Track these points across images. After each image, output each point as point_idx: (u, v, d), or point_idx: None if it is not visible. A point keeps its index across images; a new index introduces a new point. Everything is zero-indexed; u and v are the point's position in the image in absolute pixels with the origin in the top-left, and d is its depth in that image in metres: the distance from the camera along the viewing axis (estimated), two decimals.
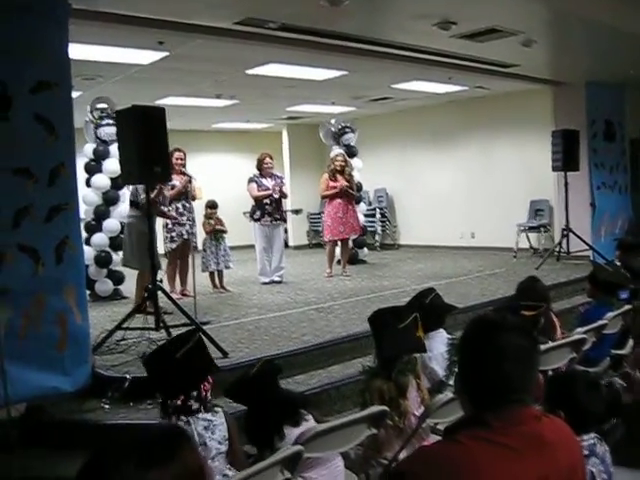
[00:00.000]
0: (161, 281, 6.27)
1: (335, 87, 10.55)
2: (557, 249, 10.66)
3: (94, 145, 9.10)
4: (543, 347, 4.26)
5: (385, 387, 3.59)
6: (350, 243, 11.58)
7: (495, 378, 1.80)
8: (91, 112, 9.02)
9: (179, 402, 3.20)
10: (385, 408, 3.24)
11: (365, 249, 12.29)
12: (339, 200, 10.42)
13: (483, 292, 8.33)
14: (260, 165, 9.92)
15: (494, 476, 1.69)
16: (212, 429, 3.21)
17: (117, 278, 9.25)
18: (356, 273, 10.64)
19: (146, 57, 8.08)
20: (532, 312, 4.45)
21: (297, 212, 13.49)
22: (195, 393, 3.23)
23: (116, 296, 9.14)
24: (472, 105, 12.70)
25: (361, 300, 8.19)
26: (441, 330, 4.57)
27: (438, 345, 4.41)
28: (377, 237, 14.37)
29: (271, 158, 9.99)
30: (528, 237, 12.22)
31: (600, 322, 5.02)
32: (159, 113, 6.04)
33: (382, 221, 14.49)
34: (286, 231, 15.05)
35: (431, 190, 13.62)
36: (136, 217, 7.64)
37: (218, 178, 14.17)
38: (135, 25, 6.66)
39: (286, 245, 14.91)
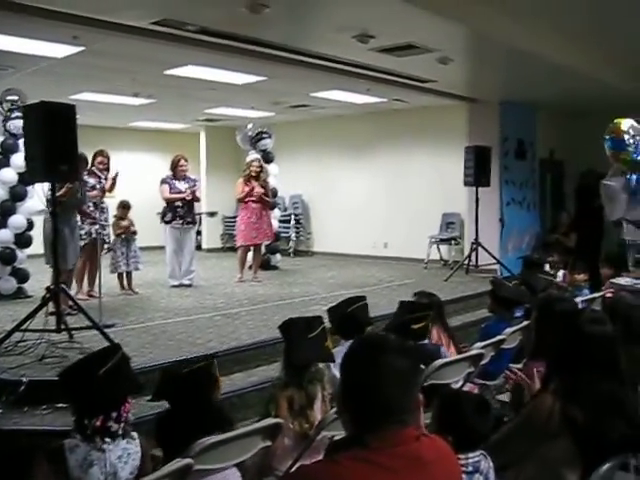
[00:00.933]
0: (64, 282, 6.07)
1: (254, 92, 10.52)
2: (466, 262, 10.92)
3: (2, 138, 8.78)
4: (440, 362, 4.36)
5: (296, 396, 3.65)
6: (263, 249, 11.57)
7: (375, 399, 1.82)
8: (0, 104, 8.71)
9: (98, 423, 2.99)
10: (280, 421, 3.23)
11: (278, 255, 12.28)
12: (253, 205, 10.38)
13: (391, 302, 8.39)
14: (174, 167, 9.84)
15: None
16: (126, 458, 3.05)
17: (21, 276, 8.95)
18: (267, 279, 10.63)
19: (60, 51, 7.86)
20: (420, 324, 4.55)
21: (212, 214, 13.45)
22: (115, 414, 3.04)
23: (20, 294, 8.82)
24: (389, 117, 12.88)
25: (269, 307, 8.18)
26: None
27: None
28: (291, 243, 14.38)
29: (185, 160, 9.90)
30: (439, 249, 12.46)
31: (499, 337, 5.17)
32: (69, 110, 5.92)
33: (297, 227, 14.52)
34: (200, 233, 14.98)
35: (346, 198, 13.73)
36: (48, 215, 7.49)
37: (133, 177, 13.83)
38: (50, 18, 6.48)
39: (199, 248, 14.84)
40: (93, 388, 3.06)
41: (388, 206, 13.09)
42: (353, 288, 9.50)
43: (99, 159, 8.77)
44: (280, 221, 13.80)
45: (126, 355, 3.31)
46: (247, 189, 10.33)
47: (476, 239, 10.70)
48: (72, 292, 8.37)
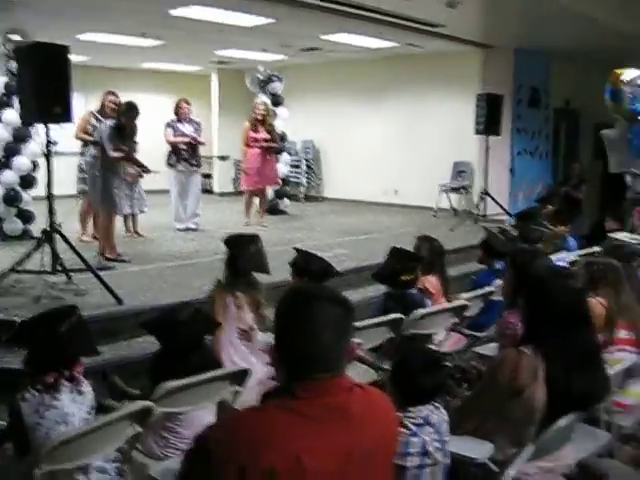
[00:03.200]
0: (59, 225, 6.09)
1: (263, 34, 10.34)
2: (475, 211, 10.83)
3: (5, 79, 8.74)
4: (421, 312, 4.35)
5: (233, 300, 4.29)
6: (271, 193, 11.55)
7: (304, 348, 1.81)
8: (3, 44, 8.64)
9: (51, 379, 2.98)
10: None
11: (286, 200, 12.21)
12: (258, 150, 10.33)
13: None
14: (177, 110, 9.78)
15: (292, 446, 1.70)
16: (79, 399, 3.05)
17: (26, 217, 9.00)
18: (274, 224, 10.62)
19: None
20: (410, 276, 4.52)
21: (224, 158, 13.34)
22: (67, 373, 3.04)
23: (25, 236, 8.89)
24: (403, 62, 12.64)
25: (271, 251, 8.07)
26: None
27: None
28: (301, 189, 14.33)
29: (188, 103, 9.85)
30: (449, 198, 12.35)
31: (487, 289, 5.15)
32: (62, 51, 5.84)
33: (307, 173, 14.45)
34: (211, 177, 14.97)
35: (358, 145, 13.59)
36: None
37: (142, 119, 13.84)
38: None
39: (211, 192, 14.86)
40: (52, 345, 3.05)
41: (400, 153, 12.93)
42: (358, 235, 9.51)
43: (110, 98, 8.80)
44: (291, 166, 13.74)
45: (82, 319, 3.30)
46: (252, 135, 10.27)
47: (485, 188, 10.59)
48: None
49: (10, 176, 8.78)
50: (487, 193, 10.55)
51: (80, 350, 3.19)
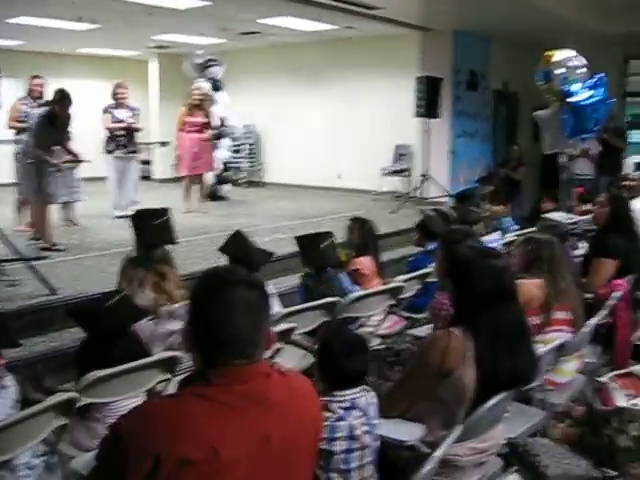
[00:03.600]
0: None
1: (199, 18, 10.22)
2: (416, 195, 10.89)
3: None
4: (355, 295, 4.35)
5: (148, 275, 4.24)
6: (212, 179, 11.44)
7: (218, 333, 1.76)
8: None
9: None
10: (176, 354, 3.21)
11: (227, 186, 12.10)
12: (194, 135, 10.22)
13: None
14: (114, 95, 9.61)
15: (207, 435, 1.66)
16: (3, 394, 2.99)
17: None
18: (214, 209, 10.55)
19: None
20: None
21: (164, 144, 13.18)
22: None
23: None
24: (342, 45, 12.62)
25: (210, 237, 8.08)
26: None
27: None
28: (243, 174, 14.22)
29: (124, 87, 9.66)
30: (391, 181, 12.39)
31: (424, 270, 5.16)
32: None
33: (249, 158, 14.33)
34: (150, 163, 14.73)
35: (300, 129, 13.54)
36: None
37: (78, 105, 13.53)
38: None
39: (150, 178, 14.64)
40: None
41: (341, 137, 12.93)
42: (297, 219, 9.47)
43: (35, 81, 8.62)
44: (233, 151, 13.62)
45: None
46: (189, 119, 10.15)
47: (426, 171, 10.66)
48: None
49: None
50: (428, 175, 10.62)
51: None
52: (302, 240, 5.10)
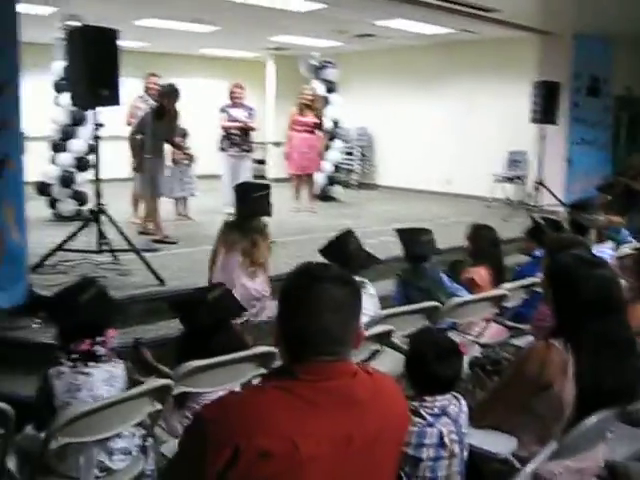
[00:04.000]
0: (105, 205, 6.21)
1: (317, 19, 10.29)
2: (529, 202, 10.60)
3: (64, 63, 8.90)
4: (456, 301, 4.27)
5: (241, 240, 5.02)
6: (323, 179, 11.55)
7: (307, 329, 1.76)
8: (61, 29, 8.80)
9: (84, 346, 3.10)
10: (271, 349, 3.25)
11: (338, 186, 12.16)
12: (305, 135, 10.34)
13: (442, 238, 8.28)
14: (230, 95, 9.84)
15: (288, 429, 1.67)
16: (112, 381, 3.12)
17: (81, 198, 9.19)
18: (323, 210, 10.62)
19: None
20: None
21: (278, 144, 13.39)
22: (100, 339, 3.16)
23: (79, 217, 9.06)
24: (459, 49, 12.44)
25: (314, 237, 8.13)
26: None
27: None
28: (355, 176, 14.26)
29: (241, 87, 9.88)
30: (504, 187, 12.12)
31: (531, 279, 5.01)
32: (110, 34, 5.92)
33: (361, 160, 14.36)
34: (264, 162, 14.99)
35: (412, 133, 13.44)
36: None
37: (199, 105, 13.97)
38: None
39: (264, 178, 14.88)
40: (78, 314, 3.22)
41: (454, 141, 12.74)
42: (408, 223, 9.37)
43: (151, 79, 8.95)
44: (345, 153, 13.71)
45: (103, 288, 3.45)
46: (299, 118, 10.28)
47: (539, 179, 10.36)
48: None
49: (66, 158, 8.98)
50: (542, 183, 10.31)
51: (103, 318, 3.29)
52: (402, 232, 5.08)
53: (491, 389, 3.06)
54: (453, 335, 4.54)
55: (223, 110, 9.83)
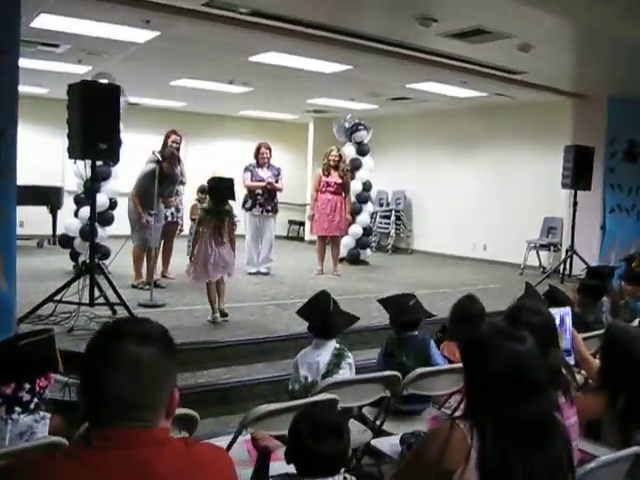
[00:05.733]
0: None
1: (345, 82, 10.34)
2: (562, 270, 10.23)
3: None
4: (419, 371, 3.97)
5: (212, 219, 6.71)
6: (352, 243, 11.42)
7: (100, 392, 1.60)
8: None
9: (8, 390, 2.98)
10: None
11: (368, 250, 11.99)
12: (329, 196, 10.24)
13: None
14: (256, 154, 9.85)
15: None
16: (28, 437, 2.97)
17: (102, 252, 9.24)
18: (349, 273, 10.43)
19: (140, 35, 8.02)
20: None
21: None
22: (28, 386, 3.03)
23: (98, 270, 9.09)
24: (493, 113, 12.30)
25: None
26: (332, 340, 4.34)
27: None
28: (390, 240, 14.08)
29: (267, 148, 9.89)
30: (538, 255, 11.77)
31: None
32: (112, 91, 5.99)
33: (397, 224, 14.18)
34: (303, 224, 14.95)
35: (448, 197, 13.26)
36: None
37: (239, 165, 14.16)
38: (121, 3, 6.61)
39: (302, 239, 14.86)
40: (9, 356, 3.11)
41: (490, 206, 12.50)
42: (428, 288, 9.15)
43: (172, 137, 8.95)
44: (380, 216, 13.61)
45: (52, 338, 3.31)
46: (324, 179, 10.25)
47: (571, 246, 10.02)
48: (157, 275, 8.64)
49: (88, 212, 9.04)
50: (574, 251, 9.95)
51: (36, 365, 3.16)
52: (386, 300, 4.90)
53: (392, 474, 2.78)
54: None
55: (247, 169, 9.86)
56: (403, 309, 4.75)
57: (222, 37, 7.91)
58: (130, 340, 1.62)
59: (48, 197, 11.88)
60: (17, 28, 5.29)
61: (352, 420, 4.05)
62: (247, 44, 8.28)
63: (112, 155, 6.02)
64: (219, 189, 6.71)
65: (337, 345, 4.27)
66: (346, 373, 4.14)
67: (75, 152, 5.90)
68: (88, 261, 6.17)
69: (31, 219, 12.35)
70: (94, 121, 5.74)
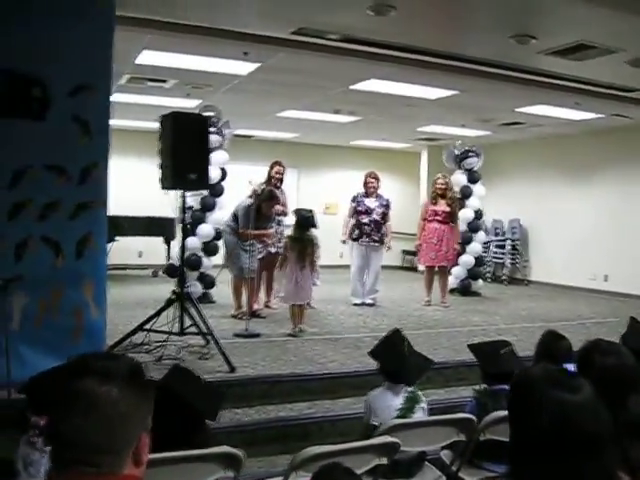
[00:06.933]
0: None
1: (452, 108, 10.09)
2: None
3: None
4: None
5: (298, 245, 7.34)
6: (464, 273, 11.05)
7: (58, 433, 1.50)
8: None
9: (42, 422, 2.77)
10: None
11: (480, 281, 11.52)
12: (436, 225, 9.93)
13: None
14: (364, 184, 9.73)
15: None
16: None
17: (207, 282, 9.38)
18: (458, 305, 10.04)
19: (242, 68, 8.14)
20: None
21: None
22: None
23: (205, 299, 9.21)
24: (612, 136, 11.59)
25: (432, 333, 7.72)
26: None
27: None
28: (505, 270, 13.52)
29: (374, 178, 9.72)
30: None
31: None
32: (200, 121, 6.04)
33: (512, 254, 13.59)
34: (414, 254, 14.61)
35: (567, 225, 12.58)
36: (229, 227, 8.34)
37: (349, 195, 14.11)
38: (220, 37, 6.73)
39: (415, 269, 14.53)
40: (48, 385, 3.01)
41: (611, 234, 11.74)
42: (538, 322, 8.66)
43: (276, 168, 8.97)
44: (495, 246, 13.14)
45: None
46: (431, 207, 9.97)
47: None
48: (260, 305, 8.67)
49: (194, 242, 9.22)
50: None
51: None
52: (476, 348, 4.51)
53: None
54: None
55: (354, 199, 9.74)
56: (492, 359, 4.30)
57: (319, 66, 7.93)
58: (90, 378, 1.51)
59: (163, 228, 12.21)
60: (107, 63, 5.41)
61: (426, 464, 3.80)
62: (345, 72, 8.26)
63: (201, 185, 6.05)
64: (300, 219, 7.40)
65: (409, 388, 4.00)
66: (420, 419, 3.85)
67: (166, 182, 5.96)
68: (178, 290, 6.15)
69: (149, 249, 12.86)
70: (184, 152, 5.79)
